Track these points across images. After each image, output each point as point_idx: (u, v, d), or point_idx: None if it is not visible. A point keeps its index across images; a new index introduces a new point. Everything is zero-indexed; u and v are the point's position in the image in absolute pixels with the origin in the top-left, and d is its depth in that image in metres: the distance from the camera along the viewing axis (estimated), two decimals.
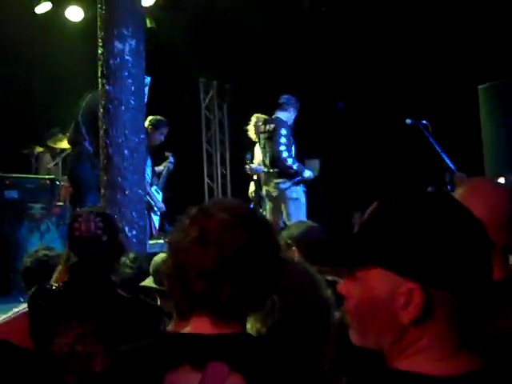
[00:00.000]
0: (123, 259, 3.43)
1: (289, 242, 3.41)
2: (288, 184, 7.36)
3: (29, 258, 3.41)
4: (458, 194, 2.00)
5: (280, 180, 7.36)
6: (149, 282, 3.38)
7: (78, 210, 3.74)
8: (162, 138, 7.32)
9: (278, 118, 7.50)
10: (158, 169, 7.72)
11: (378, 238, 1.14)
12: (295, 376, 1.55)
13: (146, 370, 1.55)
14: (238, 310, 1.58)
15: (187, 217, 1.63)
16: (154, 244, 6.28)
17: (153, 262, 3.38)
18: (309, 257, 1.29)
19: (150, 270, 3.37)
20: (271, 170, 7.44)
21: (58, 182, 7.69)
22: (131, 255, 3.60)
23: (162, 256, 3.35)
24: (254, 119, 7.82)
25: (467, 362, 1.12)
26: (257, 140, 7.84)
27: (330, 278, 2.18)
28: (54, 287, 2.75)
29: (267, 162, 7.52)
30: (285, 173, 7.30)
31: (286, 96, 7.60)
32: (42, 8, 7.82)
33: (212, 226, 1.57)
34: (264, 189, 7.59)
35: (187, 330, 1.61)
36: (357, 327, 1.20)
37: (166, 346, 1.59)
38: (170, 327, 2.38)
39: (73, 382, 2.57)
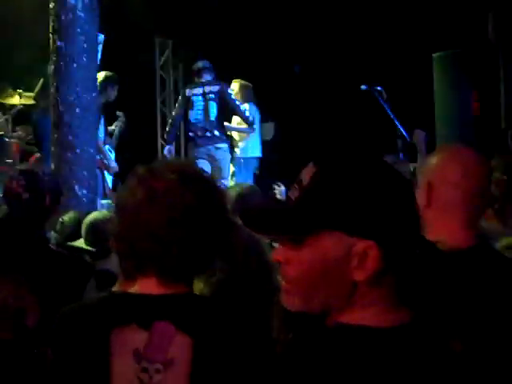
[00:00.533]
0: (63, 218, 3.43)
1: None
2: None
3: None
4: (435, 160, 2.01)
5: None
6: (80, 242, 3.37)
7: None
8: (115, 95, 7.15)
9: None
10: (110, 128, 7.57)
11: (326, 202, 1.14)
12: (240, 335, 1.56)
13: (92, 328, 1.55)
14: (185, 270, 1.59)
15: (135, 177, 1.62)
16: (106, 204, 6.22)
17: (84, 222, 3.36)
18: (251, 225, 1.28)
19: (82, 230, 3.34)
20: None
21: (6, 139, 7.51)
22: (71, 214, 3.59)
23: (93, 216, 3.33)
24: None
25: (402, 315, 1.17)
26: None
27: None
28: None
29: None
30: None
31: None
32: None
33: (160, 187, 1.56)
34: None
35: (134, 289, 1.60)
36: (301, 292, 1.19)
37: (112, 304, 1.59)
38: (116, 287, 2.37)
39: (7, 336, 2.56)
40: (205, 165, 6.83)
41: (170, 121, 7.86)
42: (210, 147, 7.25)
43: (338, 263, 1.15)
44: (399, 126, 6.47)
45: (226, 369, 1.50)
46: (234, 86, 7.76)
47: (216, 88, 7.31)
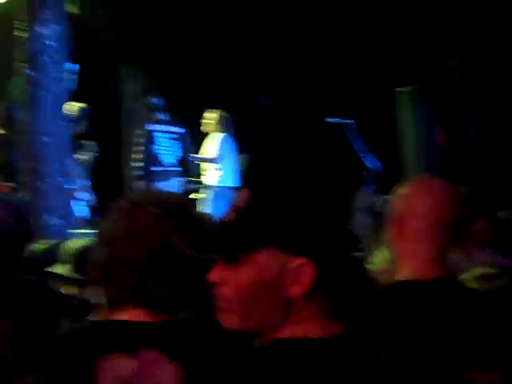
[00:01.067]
0: (36, 246, 3.39)
1: None
2: None
3: None
4: (404, 191, 2.00)
5: None
6: (61, 269, 3.33)
7: None
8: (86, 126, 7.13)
9: None
10: (81, 157, 7.47)
11: (260, 221, 1.18)
12: (226, 358, 1.57)
13: (78, 355, 1.54)
14: (167, 302, 1.58)
15: (117, 208, 1.63)
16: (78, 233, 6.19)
17: (70, 249, 3.31)
18: (193, 247, 1.31)
19: (67, 256, 3.31)
20: None
21: None
22: (44, 243, 3.56)
23: (81, 244, 3.30)
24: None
25: (334, 328, 1.20)
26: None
27: None
28: None
29: None
30: None
31: None
32: None
33: (141, 219, 1.56)
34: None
35: (119, 317, 1.61)
36: (239, 311, 1.22)
37: (99, 332, 1.59)
38: (99, 316, 2.36)
39: None
40: None
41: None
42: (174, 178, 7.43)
43: (273, 280, 1.17)
44: (366, 158, 6.56)
45: None
46: (212, 117, 7.88)
47: (180, 130, 7.61)
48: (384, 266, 2.33)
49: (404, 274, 1.91)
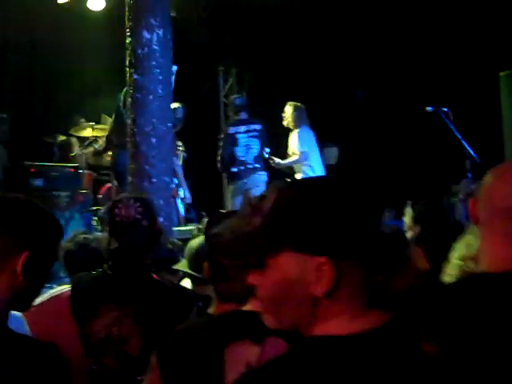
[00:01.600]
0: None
1: None
2: None
3: (69, 242, 3.45)
4: (486, 178, 1.93)
5: None
6: (182, 266, 3.43)
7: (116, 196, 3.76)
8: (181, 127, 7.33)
9: None
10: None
11: (284, 224, 1.24)
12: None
13: (206, 344, 1.63)
14: None
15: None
16: (183, 231, 6.36)
17: (188, 247, 3.41)
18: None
19: (186, 255, 3.41)
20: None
21: (81, 170, 7.77)
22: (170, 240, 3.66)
23: (197, 242, 3.40)
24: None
25: (374, 319, 1.23)
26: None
27: None
28: (95, 273, 2.81)
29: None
30: None
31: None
32: None
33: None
34: None
35: (246, 308, 1.68)
36: (272, 311, 1.29)
37: (225, 322, 1.67)
38: (211, 310, 2.44)
39: (111, 363, 2.63)
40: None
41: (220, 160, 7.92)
42: (253, 175, 7.47)
43: (297, 281, 1.23)
44: (467, 147, 6.42)
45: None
46: (288, 109, 7.86)
47: (258, 127, 7.61)
48: (469, 253, 2.29)
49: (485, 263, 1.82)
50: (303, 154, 7.72)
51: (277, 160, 7.81)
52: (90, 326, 2.65)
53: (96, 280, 2.76)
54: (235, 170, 7.64)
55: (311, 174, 7.87)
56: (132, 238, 2.73)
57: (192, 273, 3.26)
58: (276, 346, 1.59)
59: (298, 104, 7.88)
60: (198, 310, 2.64)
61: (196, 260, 3.28)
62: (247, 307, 1.69)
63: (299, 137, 7.74)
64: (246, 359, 1.59)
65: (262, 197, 1.31)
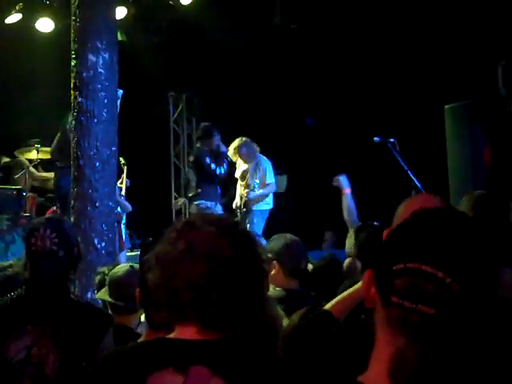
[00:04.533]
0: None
1: (269, 255, 3.43)
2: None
3: None
4: (400, 207, 2.06)
5: None
6: (102, 294, 3.38)
7: (34, 220, 3.76)
8: None
9: None
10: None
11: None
12: (274, 378, 1.59)
13: (130, 371, 1.59)
14: (224, 319, 1.63)
15: (174, 229, 1.68)
16: (131, 256, 6.27)
17: (111, 274, 3.36)
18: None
19: (108, 282, 3.36)
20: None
21: (24, 193, 7.62)
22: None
23: (122, 270, 3.35)
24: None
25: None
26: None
27: None
28: (11, 297, 2.78)
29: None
30: None
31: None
32: (13, 18, 7.80)
33: (199, 240, 1.62)
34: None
35: (172, 336, 1.65)
36: None
37: (150, 349, 1.64)
38: (142, 338, 2.40)
39: None
40: None
41: None
42: None
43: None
44: (413, 177, 6.51)
45: None
46: (236, 147, 7.93)
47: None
48: None
49: None
50: (272, 184, 7.80)
51: (252, 193, 7.79)
52: (6, 348, 2.62)
53: (11, 302, 2.76)
54: None
55: (268, 203, 7.92)
56: (47, 268, 2.73)
57: (111, 300, 3.22)
58: (200, 374, 1.55)
59: (244, 139, 7.93)
60: (115, 338, 2.64)
61: (117, 288, 3.24)
62: (173, 334, 1.65)
63: (268, 168, 7.84)
64: None
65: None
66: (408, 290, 1.15)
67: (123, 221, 7.22)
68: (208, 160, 7.76)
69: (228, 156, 7.91)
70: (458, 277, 1.13)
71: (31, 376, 2.60)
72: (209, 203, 7.65)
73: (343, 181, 5.25)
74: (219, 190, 8.02)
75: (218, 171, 7.79)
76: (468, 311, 1.15)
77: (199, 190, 7.90)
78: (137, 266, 3.46)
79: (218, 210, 7.67)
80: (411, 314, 1.14)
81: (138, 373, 1.57)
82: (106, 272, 3.50)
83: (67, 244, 2.77)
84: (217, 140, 7.90)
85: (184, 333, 1.63)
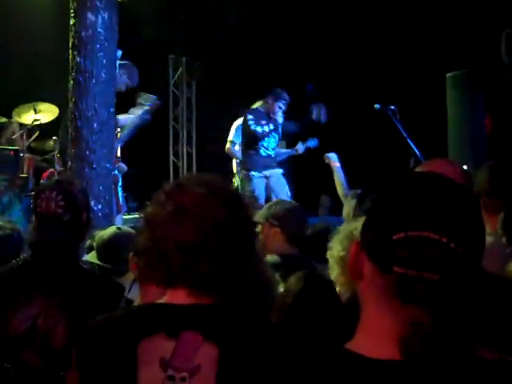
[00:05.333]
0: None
1: (270, 220, 3.40)
2: None
3: None
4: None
5: None
6: (91, 257, 3.35)
7: (44, 182, 3.66)
8: (128, 81, 6.60)
9: None
10: (123, 117, 6.86)
11: None
12: (266, 343, 1.58)
13: (121, 337, 1.58)
14: (215, 282, 1.61)
15: (163, 191, 1.66)
16: (128, 219, 6.24)
17: (98, 237, 3.33)
18: None
19: (96, 245, 3.33)
20: None
21: (21, 154, 7.57)
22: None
23: (108, 232, 3.32)
24: None
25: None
26: None
27: None
28: (14, 262, 2.70)
29: None
30: None
31: None
32: None
33: (189, 201, 1.60)
34: None
35: (163, 300, 1.63)
36: None
37: (141, 314, 1.62)
38: (136, 301, 2.38)
39: (33, 359, 2.51)
40: None
41: None
42: None
43: None
44: (412, 145, 6.48)
45: (252, 377, 1.52)
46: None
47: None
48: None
49: None
50: None
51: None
52: (7, 318, 2.52)
53: (16, 268, 2.66)
54: None
55: None
56: (52, 231, 2.65)
57: (102, 264, 3.20)
58: (192, 340, 1.54)
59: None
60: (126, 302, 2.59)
61: (105, 250, 3.22)
62: (164, 299, 1.63)
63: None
64: (160, 354, 1.54)
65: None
66: (412, 259, 1.14)
67: (119, 183, 7.17)
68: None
69: None
70: (460, 240, 1.14)
71: (37, 348, 2.49)
72: None
73: (332, 157, 5.75)
74: None
75: None
76: (469, 272, 1.16)
77: None
78: (124, 228, 3.45)
79: None
80: (417, 282, 1.14)
81: (128, 339, 1.56)
82: (95, 235, 3.46)
83: (74, 208, 2.68)
84: None
85: (175, 297, 1.61)
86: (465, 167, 5.35)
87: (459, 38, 7.86)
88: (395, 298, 1.17)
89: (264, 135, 7.30)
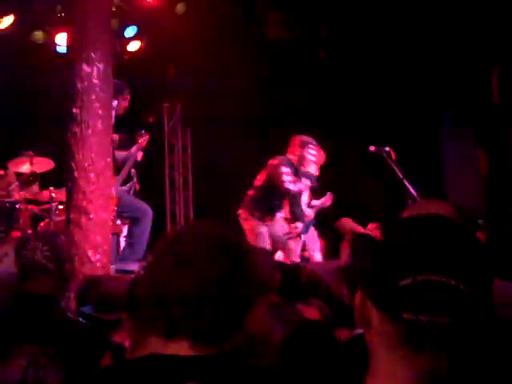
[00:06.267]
0: None
1: None
2: None
3: None
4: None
5: None
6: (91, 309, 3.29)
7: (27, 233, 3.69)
8: (127, 104, 6.77)
9: None
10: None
11: None
12: None
13: None
14: (217, 333, 1.59)
15: (163, 241, 1.64)
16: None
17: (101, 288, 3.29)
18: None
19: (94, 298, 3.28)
20: None
21: (17, 205, 7.54)
22: None
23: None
24: None
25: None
26: None
27: None
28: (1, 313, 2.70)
29: None
30: None
31: None
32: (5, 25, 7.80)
33: (190, 251, 1.58)
34: None
35: (164, 352, 1.61)
36: None
37: (141, 367, 1.59)
38: (128, 354, 2.34)
39: None
40: None
41: None
42: None
43: None
44: (408, 186, 6.50)
45: None
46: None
47: None
48: None
49: None
50: None
51: None
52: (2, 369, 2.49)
53: (3, 320, 2.66)
54: None
55: None
56: (36, 284, 2.66)
57: (103, 317, 3.15)
58: None
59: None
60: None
61: (102, 300, 3.17)
62: (164, 350, 1.60)
63: None
64: None
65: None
66: (421, 304, 1.12)
67: (123, 233, 7.17)
68: None
69: None
70: (468, 281, 1.12)
71: None
72: None
73: None
74: None
75: None
76: (480, 313, 1.14)
77: None
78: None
79: None
80: (429, 329, 1.11)
81: None
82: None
83: (59, 258, 2.70)
84: None
85: (175, 348, 1.58)
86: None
87: (450, 77, 7.96)
88: (407, 345, 1.14)
89: None
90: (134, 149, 7.10)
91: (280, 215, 7.14)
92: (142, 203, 6.91)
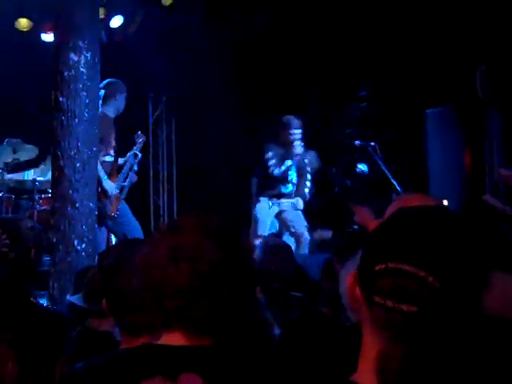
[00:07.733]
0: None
1: None
2: None
3: None
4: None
5: None
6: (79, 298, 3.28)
7: None
8: (123, 104, 6.63)
9: None
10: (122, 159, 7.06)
11: None
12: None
13: (118, 380, 1.54)
14: (212, 325, 1.59)
15: (158, 233, 1.64)
16: None
17: (88, 278, 3.27)
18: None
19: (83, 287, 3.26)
20: None
21: (1, 194, 7.48)
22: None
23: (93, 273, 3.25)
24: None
25: None
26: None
27: None
28: None
29: None
30: None
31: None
32: None
33: (184, 243, 1.58)
34: None
35: (159, 342, 1.61)
36: None
37: (138, 357, 1.59)
38: (121, 345, 2.34)
39: None
40: None
41: None
42: None
43: None
44: (393, 180, 6.54)
45: None
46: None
47: None
48: None
49: None
50: None
51: None
52: None
53: None
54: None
55: None
56: None
57: (92, 307, 3.14)
58: (191, 382, 1.52)
59: None
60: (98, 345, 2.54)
61: (91, 290, 3.16)
62: (160, 340, 1.61)
63: None
64: None
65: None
66: (390, 290, 1.15)
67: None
68: None
69: None
70: (440, 275, 1.14)
71: None
72: None
73: None
74: None
75: None
76: (450, 309, 1.15)
77: None
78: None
79: None
80: (394, 314, 1.14)
81: (126, 382, 1.52)
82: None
83: (21, 246, 2.70)
84: None
85: (171, 339, 1.59)
86: (445, 202, 5.42)
87: (436, 74, 7.99)
88: (376, 327, 1.19)
89: None
90: (133, 150, 7.13)
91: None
92: (137, 224, 6.77)
